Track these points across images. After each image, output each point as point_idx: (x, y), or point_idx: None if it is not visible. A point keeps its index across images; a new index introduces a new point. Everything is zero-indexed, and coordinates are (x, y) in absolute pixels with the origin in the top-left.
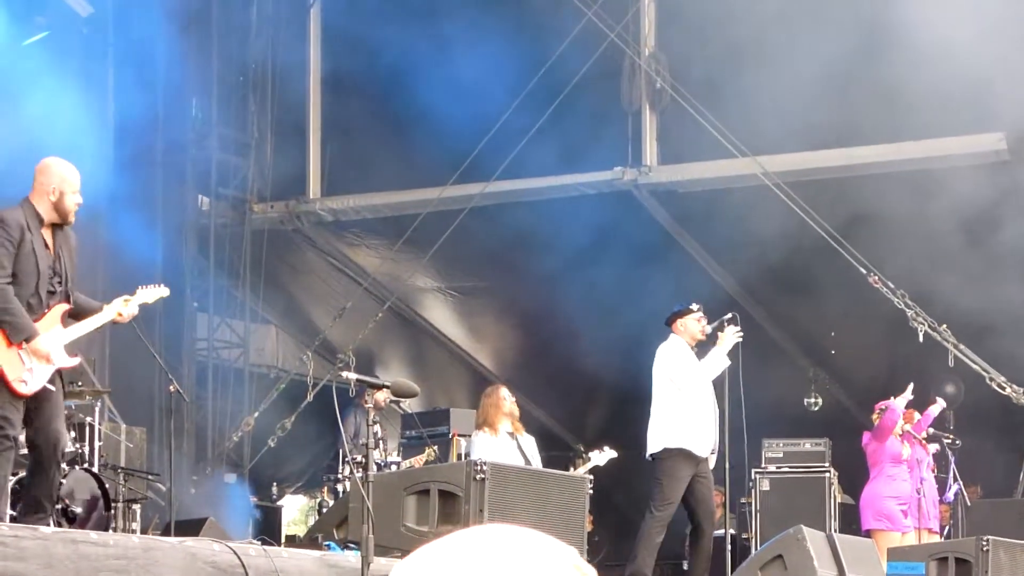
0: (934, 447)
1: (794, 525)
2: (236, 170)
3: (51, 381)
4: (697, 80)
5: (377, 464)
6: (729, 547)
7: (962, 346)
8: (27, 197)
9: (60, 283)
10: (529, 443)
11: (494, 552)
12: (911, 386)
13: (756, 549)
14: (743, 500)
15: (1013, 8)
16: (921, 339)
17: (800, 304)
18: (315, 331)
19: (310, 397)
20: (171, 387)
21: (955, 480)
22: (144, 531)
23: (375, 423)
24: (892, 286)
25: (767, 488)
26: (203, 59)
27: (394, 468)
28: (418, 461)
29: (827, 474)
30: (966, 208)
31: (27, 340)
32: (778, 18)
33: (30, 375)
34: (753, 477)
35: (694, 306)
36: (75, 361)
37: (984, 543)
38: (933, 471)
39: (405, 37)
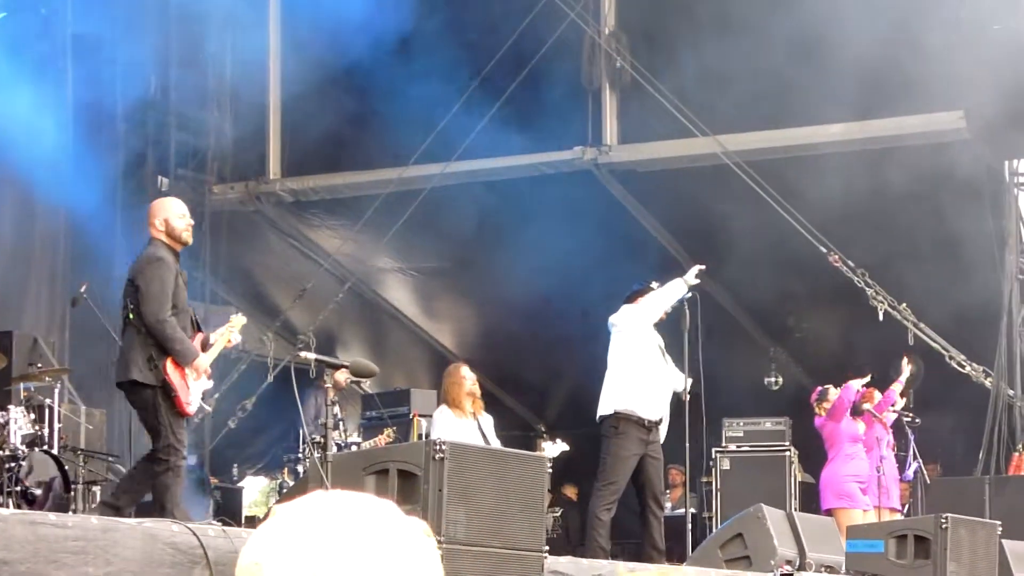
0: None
1: (754, 504)
2: (196, 151)
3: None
4: (657, 59)
5: (337, 445)
6: (689, 526)
7: (922, 324)
8: (152, 239)
9: (193, 312)
10: (488, 423)
11: (350, 521)
12: (869, 376)
13: (716, 528)
14: (703, 479)
15: None
16: (881, 318)
17: (760, 283)
18: (276, 312)
19: (270, 378)
20: None
21: (915, 458)
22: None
23: (334, 403)
24: (852, 265)
25: (727, 467)
26: (162, 40)
27: (354, 449)
28: (379, 442)
29: (787, 453)
30: (926, 186)
31: (192, 361)
32: None
33: (192, 397)
34: (713, 456)
35: (654, 284)
36: (211, 383)
37: (943, 521)
38: (893, 449)
39: (365, 17)
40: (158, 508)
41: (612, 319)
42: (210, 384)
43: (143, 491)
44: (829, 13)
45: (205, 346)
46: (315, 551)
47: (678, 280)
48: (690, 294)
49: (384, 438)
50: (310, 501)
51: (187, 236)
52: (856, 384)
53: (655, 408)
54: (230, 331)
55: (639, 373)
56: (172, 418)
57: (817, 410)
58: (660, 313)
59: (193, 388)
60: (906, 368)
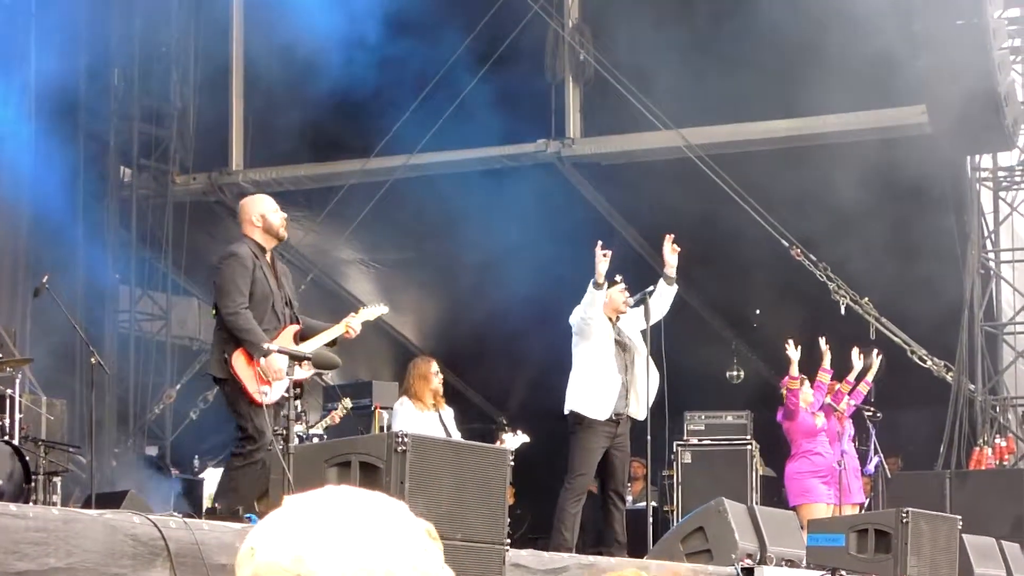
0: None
1: (716, 497)
2: (158, 141)
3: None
4: (621, 52)
5: (299, 437)
6: (651, 519)
7: (883, 319)
8: (242, 235)
9: (287, 305)
10: (449, 416)
11: (353, 513)
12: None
13: (677, 521)
14: (665, 472)
15: None
16: (843, 312)
17: (723, 277)
18: None
19: None
20: (92, 359)
21: (876, 452)
22: (64, 504)
23: (297, 396)
24: (814, 259)
25: (689, 460)
26: (125, 29)
27: (316, 441)
28: (334, 417)
29: (749, 447)
30: (888, 181)
31: (264, 357)
32: None
33: (268, 388)
34: (675, 449)
35: (617, 278)
36: (308, 374)
37: (904, 515)
38: (854, 443)
39: (329, 8)
40: (232, 496)
41: (572, 318)
42: (307, 374)
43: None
44: (791, 8)
45: (301, 338)
46: (312, 539)
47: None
48: (652, 288)
49: (338, 414)
50: (319, 493)
51: (283, 231)
52: (794, 354)
53: (603, 408)
54: (350, 319)
55: (587, 374)
56: (248, 408)
57: (784, 396)
58: (600, 310)
59: (270, 379)
60: (875, 361)
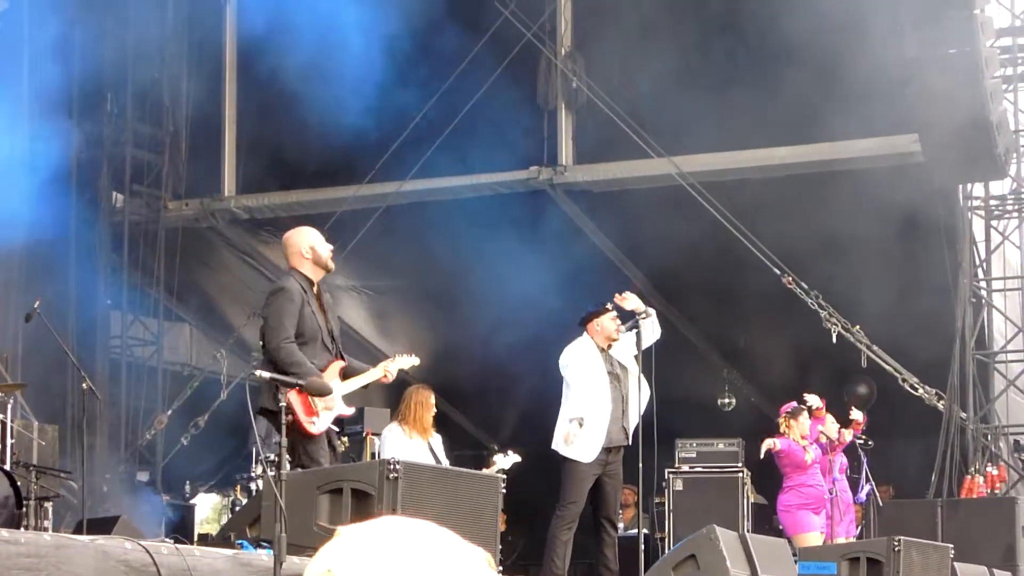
0: (847, 434)
1: (707, 525)
2: (151, 167)
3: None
4: (613, 80)
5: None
6: (642, 547)
7: (875, 347)
8: (290, 268)
9: (333, 339)
10: (438, 443)
11: (418, 548)
12: (811, 399)
13: (669, 549)
14: (656, 500)
15: (926, 9)
16: (834, 340)
17: (714, 304)
18: (229, 329)
19: (224, 395)
20: (84, 384)
21: (867, 481)
22: (56, 529)
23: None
24: (805, 287)
25: (680, 488)
26: (119, 56)
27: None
28: None
29: (740, 474)
30: (880, 209)
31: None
32: (694, 18)
33: (317, 418)
34: (667, 477)
35: (609, 305)
36: (352, 411)
37: (896, 543)
38: (845, 472)
39: (320, 34)
40: None
41: (562, 365)
42: (350, 411)
43: None
44: (784, 35)
45: (347, 375)
46: (385, 564)
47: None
48: (644, 315)
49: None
50: (379, 522)
51: (332, 262)
52: (797, 449)
53: (591, 449)
54: (388, 364)
55: (580, 413)
56: (303, 441)
57: (780, 424)
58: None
59: (320, 409)
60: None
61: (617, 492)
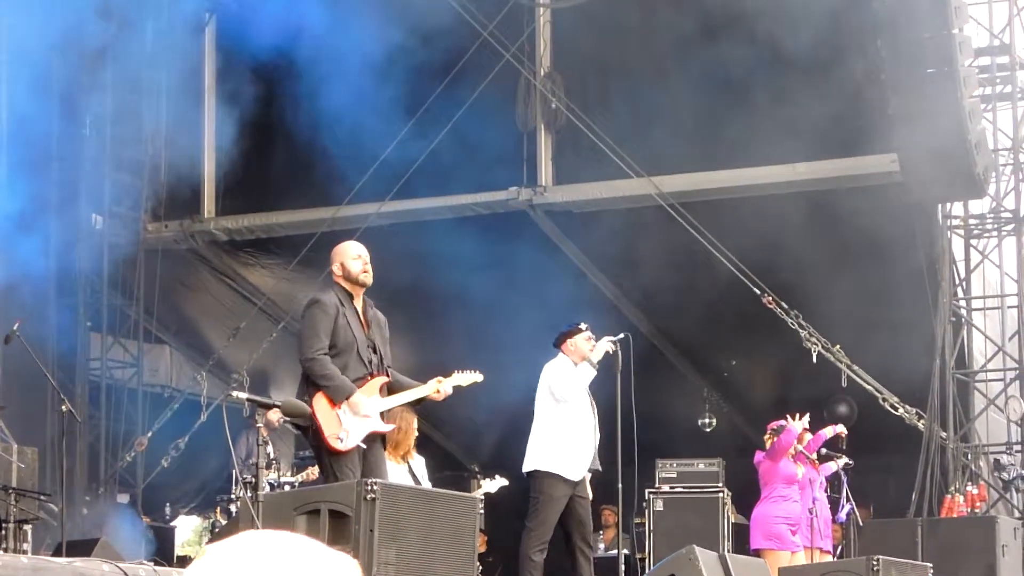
0: (831, 466)
1: (687, 545)
2: (130, 188)
3: (368, 441)
4: (592, 101)
5: (271, 484)
6: (623, 567)
7: (855, 366)
8: (333, 281)
9: (375, 352)
10: (419, 465)
11: (284, 560)
12: (807, 416)
13: (649, 569)
14: (636, 520)
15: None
16: (815, 359)
17: (694, 324)
18: (209, 351)
19: (204, 417)
20: (63, 407)
21: (847, 500)
22: (35, 552)
23: (266, 443)
24: (786, 306)
25: (661, 508)
26: (97, 78)
27: (287, 488)
28: (310, 473)
29: (720, 494)
30: (860, 229)
31: (347, 398)
32: (673, 39)
33: (346, 434)
34: (647, 497)
35: (583, 325)
36: (391, 427)
37: (875, 563)
38: (826, 491)
39: (300, 55)
40: None
41: (551, 385)
42: (387, 428)
43: None
44: (763, 56)
45: (388, 391)
46: None
47: (587, 362)
48: (623, 335)
49: (315, 469)
50: (240, 539)
51: (364, 277)
52: (797, 426)
53: (579, 467)
54: (444, 380)
55: (565, 432)
56: (329, 456)
57: (767, 440)
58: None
59: (348, 424)
60: (835, 428)
61: (588, 510)
